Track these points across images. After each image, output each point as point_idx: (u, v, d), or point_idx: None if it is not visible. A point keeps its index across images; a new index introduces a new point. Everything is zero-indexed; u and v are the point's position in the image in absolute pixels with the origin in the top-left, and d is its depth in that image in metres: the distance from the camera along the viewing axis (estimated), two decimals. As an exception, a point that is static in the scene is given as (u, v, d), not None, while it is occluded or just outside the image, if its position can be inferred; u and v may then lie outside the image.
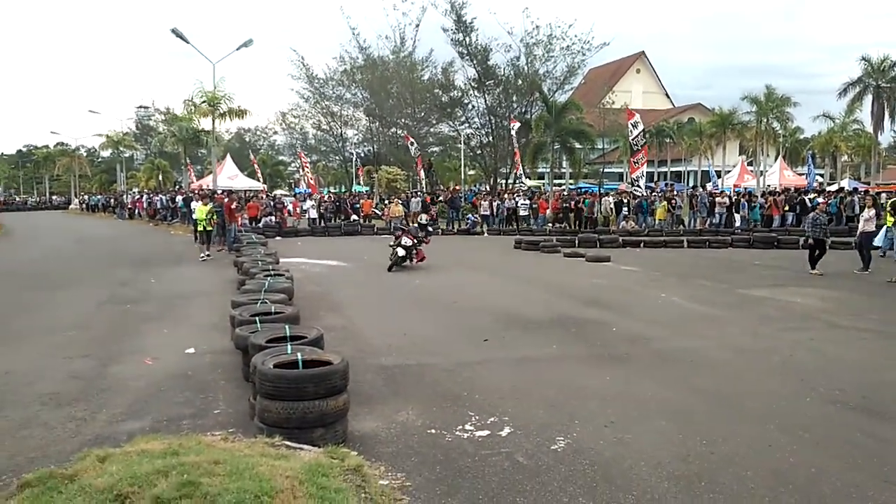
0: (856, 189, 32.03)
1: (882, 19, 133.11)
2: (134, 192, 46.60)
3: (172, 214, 33.16)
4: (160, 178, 49.78)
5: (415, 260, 15.29)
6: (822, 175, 47.30)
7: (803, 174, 41.37)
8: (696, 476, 4.17)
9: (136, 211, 39.22)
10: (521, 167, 34.44)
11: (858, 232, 15.25)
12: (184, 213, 31.20)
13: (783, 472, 4.22)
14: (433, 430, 4.97)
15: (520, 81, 39.53)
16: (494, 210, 28.97)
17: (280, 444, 4.08)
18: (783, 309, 10.16)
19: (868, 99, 38.96)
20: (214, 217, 18.53)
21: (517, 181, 36.80)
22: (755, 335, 8.36)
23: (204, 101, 30.99)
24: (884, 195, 27.99)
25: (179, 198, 32.87)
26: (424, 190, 35.13)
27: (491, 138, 41.19)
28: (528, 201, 28.96)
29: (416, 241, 15.37)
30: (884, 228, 16.10)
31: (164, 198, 35.91)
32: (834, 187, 35.17)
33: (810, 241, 14.18)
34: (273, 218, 27.47)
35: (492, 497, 3.89)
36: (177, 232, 27.99)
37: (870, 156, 43.16)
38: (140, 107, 69.11)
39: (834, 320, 9.30)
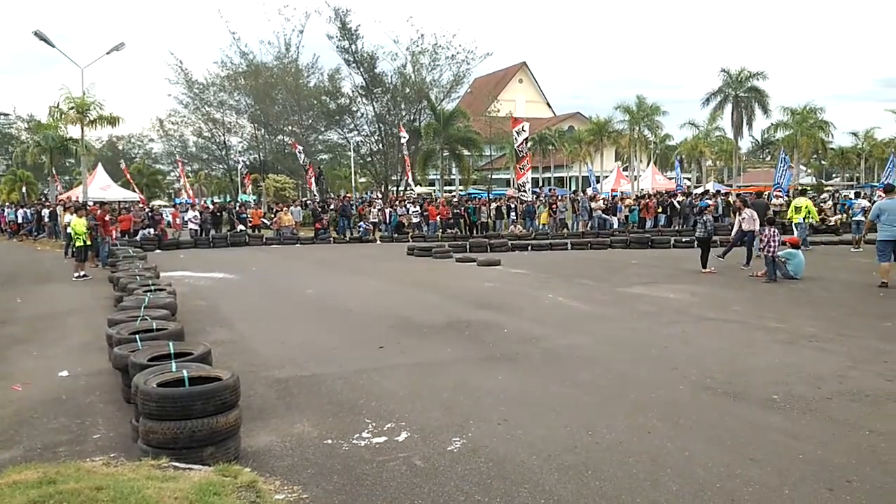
0: (718, 191, 34.74)
1: (741, 36, 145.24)
2: (-7, 206, 42.67)
3: (38, 229, 30.71)
4: (24, 190, 45.93)
5: None
6: (689, 179, 50.92)
7: (672, 178, 44.37)
8: (583, 465, 4.40)
9: (-2, 226, 35.96)
10: (410, 174, 34.69)
11: (736, 231, 16.36)
12: (50, 228, 29.00)
13: (661, 457, 4.53)
14: (330, 441, 4.93)
15: (407, 89, 39.89)
16: (386, 217, 29.02)
17: (168, 465, 3.91)
18: (658, 304, 10.86)
19: (728, 108, 42.45)
20: (90, 231, 17.22)
21: (407, 188, 37.05)
22: (633, 330, 8.90)
23: (72, 108, 28.97)
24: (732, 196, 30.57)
25: (45, 211, 30.49)
26: (315, 199, 34.55)
27: (381, 146, 41.26)
28: (418, 208, 29.21)
29: None
30: (794, 224, 17.91)
31: (28, 211, 33.17)
32: (700, 190, 37.95)
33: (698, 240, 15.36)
34: (152, 230, 26.09)
35: (390, 502, 3.92)
36: (44, 247, 25.96)
37: (731, 160, 46.95)
38: (0, 113, 63.50)
39: (703, 313, 10.05)
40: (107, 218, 18.84)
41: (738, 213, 16.91)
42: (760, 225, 15.36)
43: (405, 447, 4.78)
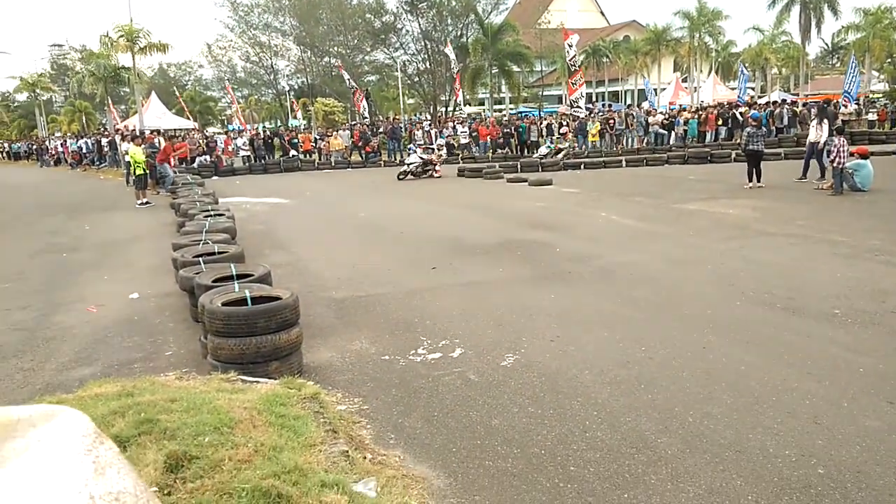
0: (784, 100, 32.98)
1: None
2: (56, 138, 44.10)
3: (100, 159, 31.68)
4: (83, 120, 47.15)
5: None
6: (752, 88, 48.37)
7: (735, 88, 42.25)
8: (635, 380, 4.44)
9: (62, 157, 37.25)
10: (460, 93, 34.00)
11: (808, 142, 15.17)
12: (111, 157, 29.82)
13: (716, 372, 4.53)
14: (387, 357, 5.10)
15: (453, 2, 38.53)
16: (432, 139, 28.72)
17: (236, 378, 4.13)
18: (715, 220, 10.59)
19: (795, 10, 39.65)
20: (148, 159, 17.66)
21: (457, 109, 36.42)
22: (689, 246, 8.74)
23: (122, 36, 29.18)
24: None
25: (105, 140, 31.32)
26: (367, 122, 34.34)
27: (428, 64, 40.35)
28: (467, 129, 28.76)
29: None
30: None
31: (89, 141, 34.15)
32: (764, 100, 36.10)
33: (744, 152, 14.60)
34: (208, 157, 26.58)
35: (446, 413, 4.07)
36: (106, 177, 26.84)
37: (798, 67, 44.26)
38: (53, 45, 64.53)
39: (763, 228, 9.77)
40: (175, 147, 19.25)
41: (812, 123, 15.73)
42: (829, 135, 14.51)
43: (459, 362, 4.91)
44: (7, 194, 21.78)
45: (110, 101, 37.95)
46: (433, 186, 18.44)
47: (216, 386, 3.89)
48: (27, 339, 5.92)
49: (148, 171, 17.32)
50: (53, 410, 1.20)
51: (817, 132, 14.62)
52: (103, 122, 50.22)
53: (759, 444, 3.52)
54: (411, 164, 19.98)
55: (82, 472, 1.13)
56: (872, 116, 30.14)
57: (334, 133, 30.05)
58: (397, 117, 38.31)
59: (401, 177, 19.87)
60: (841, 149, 12.59)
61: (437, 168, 20.09)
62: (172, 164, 20.52)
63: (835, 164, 12.77)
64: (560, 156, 21.90)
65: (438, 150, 21.59)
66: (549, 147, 23.32)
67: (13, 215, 15.70)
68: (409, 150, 28.48)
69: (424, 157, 20.13)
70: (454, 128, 28.94)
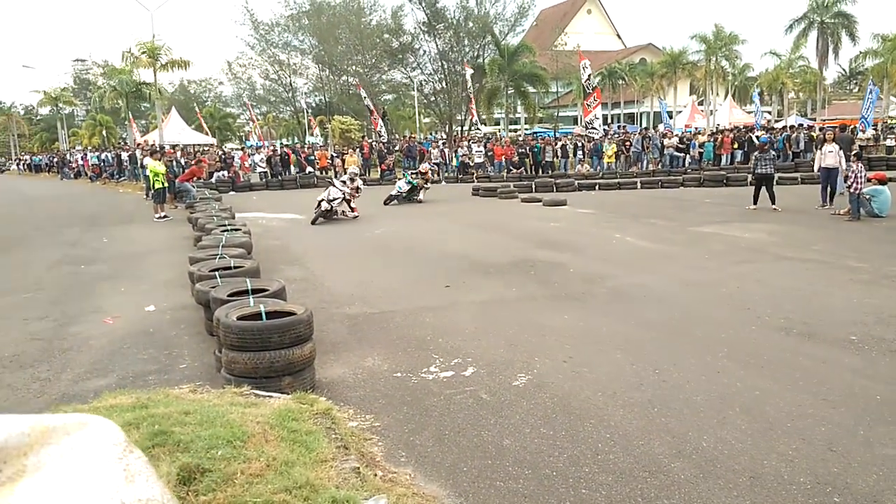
0: (801, 125, 32.86)
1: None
2: (77, 151, 44.75)
3: (119, 172, 32.11)
4: (104, 134, 47.88)
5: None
6: (769, 112, 48.26)
7: (752, 112, 42.15)
8: (648, 402, 4.41)
9: (82, 170, 37.79)
10: (475, 113, 34.19)
11: (822, 168, 14.69)
12: (130, 171, 30.20)
13: (730, 396, 4.49)
14: (399, 374, 5.11)
15: (470, 24, 38.86)
16: (446, 158, 28.88)
17: (249, 392, 4.15)
18: (731, 244, 10.54)
19: (813, 35, 39.66)
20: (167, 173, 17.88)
21: (472, 128, 36.62)
22: (704, 269, 8.70)
23: (143, 53, 29.74)
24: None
25: (125, 154, 31.76)
26: (383, 140, 34.58)
27: (444, 84, 40.64)
28: (482, 148, 28.89)
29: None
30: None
31: (109, 155, 34.65)
32: (781, 124, 36.00)
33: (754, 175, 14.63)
34: (225, 173, 26.86)
35: (458, 432, 4.06)
36: (126, 190, 27.18)
37: (815, 92, 44.14)
38: (77, 60, 65.86)
39: (779, 252, 9.70)
40: (203, 164, 19.53)
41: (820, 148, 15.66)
42: (846, 161, 14.40)
43: (472, 381, 4.90)
44: (28, 206, 22.11)
45: (131, 116, 38.57)
46: (448, 205, 18.50)
47: (230, 400, 3.91)
48: (44, 350, 5.98)
49: (167, 185, 17.51)
50: (86, 420, 1.24)
51: (834, 158, 14.44)
52: (123, 136, 51.01)
53: (774, 471, 3.48)
54: (399, 190, 18.81)
55: (114, 479, 1.16)
56: (891, 142, 29.95)
57: (350, 151, 30.30)
58: (413, 136, 38.55)
59: (386, 202, 18.58)
60: (858, 174, 12.52)
61: (419, 195, 18.90)
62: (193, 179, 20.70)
63: (852, 190, 12.68)
64: (420, 194, 18.97)
65: (423, 174, 19.94)
66: (409, 182, 19.13)
67: (33, 226, 15.93)
68: (405, 174, 28.65)
69: (412, 182, 19.00)
70: (469, 147, 29.07)
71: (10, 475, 1.12)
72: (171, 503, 1.22)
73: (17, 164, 52.06)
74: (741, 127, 30.98)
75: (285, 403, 3.89)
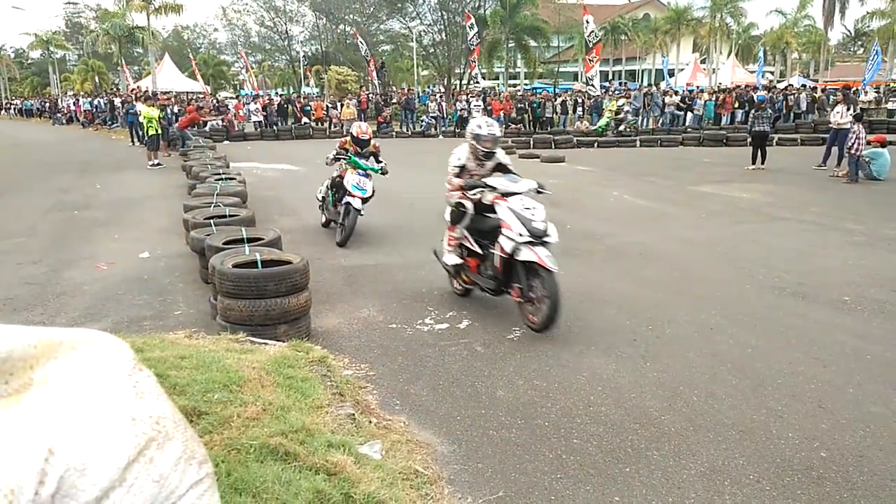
0: (804, 86, 32.48)
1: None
2: (69, 96, 44.00)
3: (112, 118, 31.64)
4: (96, 80, 47.05)
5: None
6: (772, 73, 47.67)
7: (755, 72, 41.63)
8: (641, 357, 4.45)
9: (74, 116, 37.23)
10: (476, 66, 33.64)
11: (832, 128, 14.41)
12: (123, 118, 29.73)
13: (722, 353, 4.53)
14: (394, 325, 5.12)
15: (472, -28, 37.98)
16: (444, 112, 28.50)
17: (244, 339, 4.16)
18: (728, 204, 10.52)
19: (820, -7, 38.89)
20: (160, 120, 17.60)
21: (472, 82, 36.08)
22: (701, 228, 8.69)
23: (137, -5, 29.02)
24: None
25: (118, 100, 31.24)
26: (378, 92, 34.11)
27: (444, 35, 39.87)
28: (480, 103, 28.50)
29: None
30: None
31: (102, 101, 34.10)
32: (783, 84, 35.58)
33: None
34: (220, 121, 26.50)
35: (452, 382, 4.09)
36: (118, 137, 26.81)
37: (819, 52, 43.54)
38: (68, 2, 64.08)
39: (776, 213, 9.69)
40: (199, 111, 19.21)
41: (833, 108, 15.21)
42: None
43: (466, 334, 4.93)
44: (20, 151, 21.84)
45: (123, 62, 37.83)
46: (444, 159, 18.28)
47: (225, 346, 3.92)
48: (38, 294, 5.97)
49: (160, 132, 17.27)
50: (94, 335, 1.22)
51: (842, 116, 14.26)
52: (116, 82, 50.12)
53: (763, 426, 3.53)
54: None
55: (123, 395, 1.15)
56: (893, 105, 29.69)
57: (346, 102, 29.87)
58: (411, 89, 38.00)
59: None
60: (859, 136, 12.43)
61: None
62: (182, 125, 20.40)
63: (852, 152, 12.61)
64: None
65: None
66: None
67: (26, 172, 15.75)
68: (422, 121, 28.22)
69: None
70: (467, 101, 28.68)
71: (16, 387, 1.10)
72: (182, 423, 1.21)
73: (8, 109, 51.17)
74: (743, 86, 30.61)
75: (281, 350, 3.90)
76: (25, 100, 52.50)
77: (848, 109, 14.32)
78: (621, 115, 22.34)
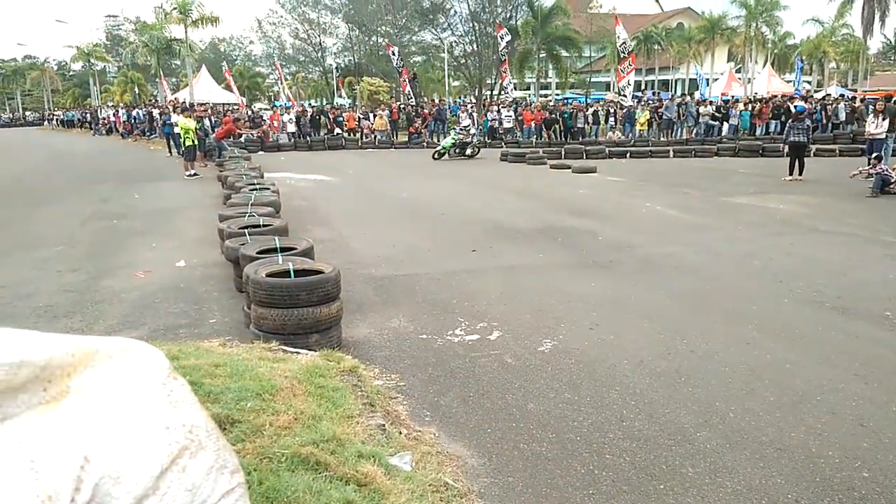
0: (842, 95, 31.80)
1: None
2: (109, 107, 45.14)
3: (150, 129, 32.36)
4: (135, 91, 48.22)
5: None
6: (809, 82, 46.81)
7: (791, 81, 40.92)
8: (675, 372, 4.38)
9: (114, 126, 38.16)
10: (507, 77, 33.67)
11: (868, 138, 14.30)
12: (161, 129, 30.37)
13: (759, 368, 4.43)
14: (425, 336, 5.13)
15: (503, -17, 38.09)
16: (475, 122, 28.54)
17: (277, 348, 4.21)
18: (764, 215, 10.33)
19: (858, 2, 38.13)
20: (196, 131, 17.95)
21: (503, 92, 36.11)
22: (735, 240, 8.54)
23: (175, 8, 29.72)
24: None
25: (156, 112, 31.94)
26: (411, 103, 34.32)
27: (475, 46, 40.02)
28: (511, 113, 28.49)
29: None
30: None
31: (140, 112, 34.91)
32: (821, 94, 34.90)
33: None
34: (254, 134, 26.92)
35: (482, 394, 4.08)
36: (156, 147, 27.40)
37: (857, 62, 42.64)
38: (109, 16, 66.11)
39: (813, 225, 9.49)
40: (236, 122, 19.68)
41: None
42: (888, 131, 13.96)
43: (497, 345, 4.91)
44: (61, 161, 22.47)
45: (162, 73, 38.71)
46: (476, 169, 18.37)
47: (258, 354, 3.96)
48: (77, 301, 6.11)
49: (196, 143, 17.60)
50: (129, 344, 1.24)
51: (876, 126, 14.00)
52: (154, 93, 51.29)
53: (802, 444, 3.45)
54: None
55: (158, 403, 1.17)
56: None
57: (378, 112, 30.12)
58: (442, 99, 38.17)
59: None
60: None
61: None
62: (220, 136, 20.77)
63: (883, 168, 12.31)
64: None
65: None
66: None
67: (66, 181, 16.19)
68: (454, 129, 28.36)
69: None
70: (499, 111, 28.70)
71: (54, 394, 1.13)
72: (215, 432, 1.23)
73: (51, 120, 52.73)
74: (780, 96, 30.09)
75: (313, 360, 3.93)
76: (67, 111, 54.05)
77: (884, 120, 14.01)
78: (468, 139, 21.17)
